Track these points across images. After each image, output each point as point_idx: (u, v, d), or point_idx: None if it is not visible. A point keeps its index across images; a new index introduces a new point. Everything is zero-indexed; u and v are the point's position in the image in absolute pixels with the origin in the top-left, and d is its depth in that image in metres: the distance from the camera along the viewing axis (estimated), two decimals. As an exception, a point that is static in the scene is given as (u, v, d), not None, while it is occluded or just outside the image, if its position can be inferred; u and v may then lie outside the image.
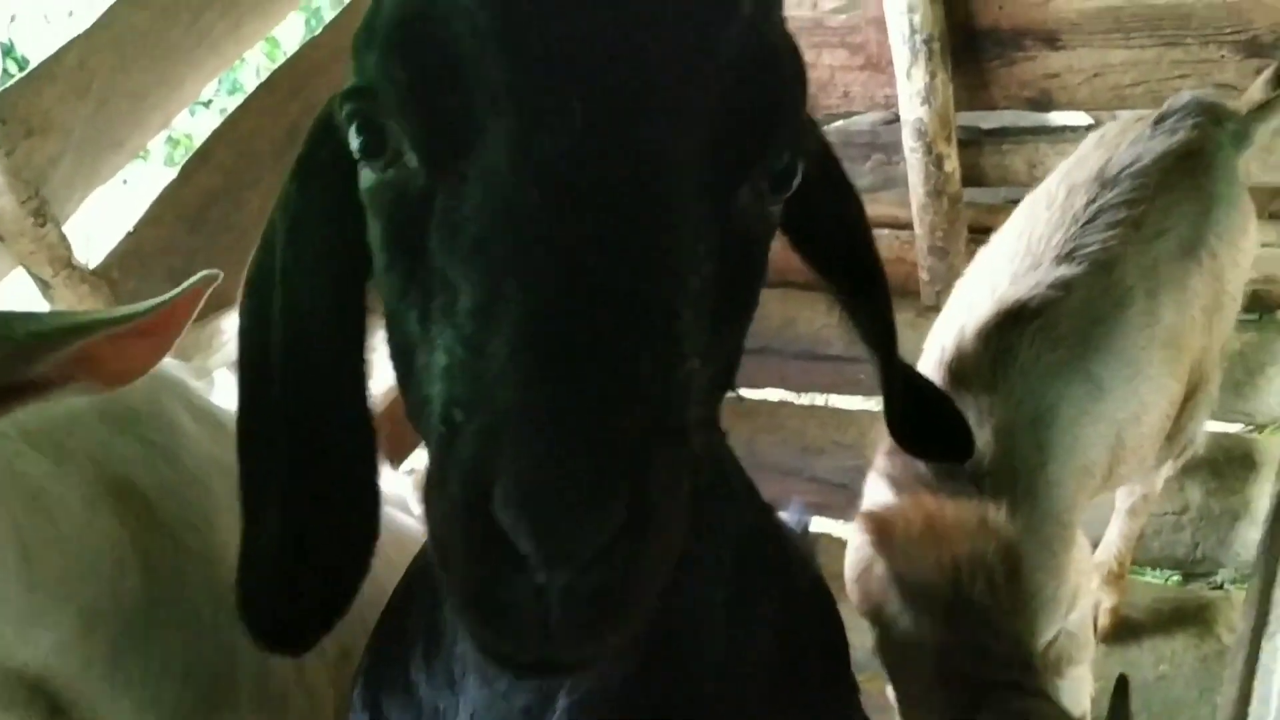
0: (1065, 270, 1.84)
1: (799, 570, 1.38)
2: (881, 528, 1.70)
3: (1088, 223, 1.91)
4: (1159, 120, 2.08)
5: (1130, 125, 2.12)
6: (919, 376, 1.47)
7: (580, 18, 0.71)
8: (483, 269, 0.69)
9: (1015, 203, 2.24)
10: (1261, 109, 2.20)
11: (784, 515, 2.37)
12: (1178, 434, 2.22)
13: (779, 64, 0.81)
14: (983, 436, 1.68)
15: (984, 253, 2.12)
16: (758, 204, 0.83)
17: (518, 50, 0.71)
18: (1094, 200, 1.93)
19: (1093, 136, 2.18)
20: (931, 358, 1.88)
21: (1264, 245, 3.27)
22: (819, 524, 2.76)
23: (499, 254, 0.69)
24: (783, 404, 3.54)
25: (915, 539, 1.63)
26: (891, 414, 1.34)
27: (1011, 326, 1.79)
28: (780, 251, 3.32)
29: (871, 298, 1.20)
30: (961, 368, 1.79)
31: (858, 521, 1.80)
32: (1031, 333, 1.79)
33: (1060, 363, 1.79)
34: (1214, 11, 2.99)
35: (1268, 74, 2.29)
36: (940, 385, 1.69)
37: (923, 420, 1.40)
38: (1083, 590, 1.90)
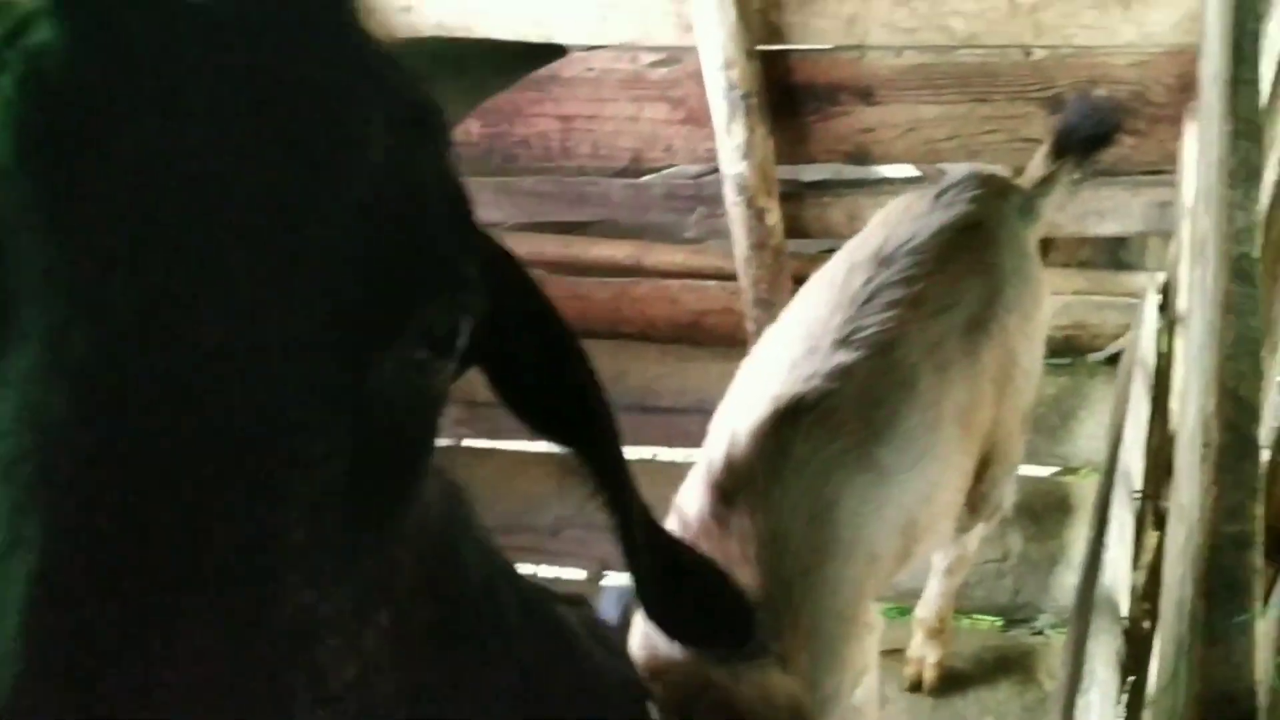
0: (844, 356, 1.81)
1: (603, 693, 1.24)
2: (669, 693, 1.59)
3: (865, 303, 1.89)
4: (938, 194, 2.09)
5: (911, 201, 2.13)
6: (677, 544, 1.22)
7: (143, 181, 0.57)
8: (8, 502, 0.54)
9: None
10: (1043, 183, 2.25)
11: (606, 600, 2.31)
12: (980, 502, 2.24)
13: (426, 213, 0.67)
14: (752, 555, 1.62)
15: (759, 347, 2.07)
16: (413, 375, 0.68)
17: (63, 224, 0.57)
18: (872, 279, 1.92)
19: (879, 213, 2.18)
20: (698, 476, 1.79)
21: (1074, 293, 3.39)
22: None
23: (23, 483, 0.54)
24: (611, 460, 3.48)
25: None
26: (643, 593, 1.07)
27: (787, 424, 1.74)
28: (609, 301, 3.28)
29: (596, 452, 0.95)
30: (732, 481, 1.71)
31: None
32: (808, 426, 1.74)
33: (840, 453, 1.75)
34: (1019, 70, 3.07)
35: (1045, 149, 2.34)
36: (708, 510, 1.64)
37: (684, 597, 1.13)
38: (871, 667, 1.88)
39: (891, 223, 2.08)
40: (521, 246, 4.00)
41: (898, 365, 1.85)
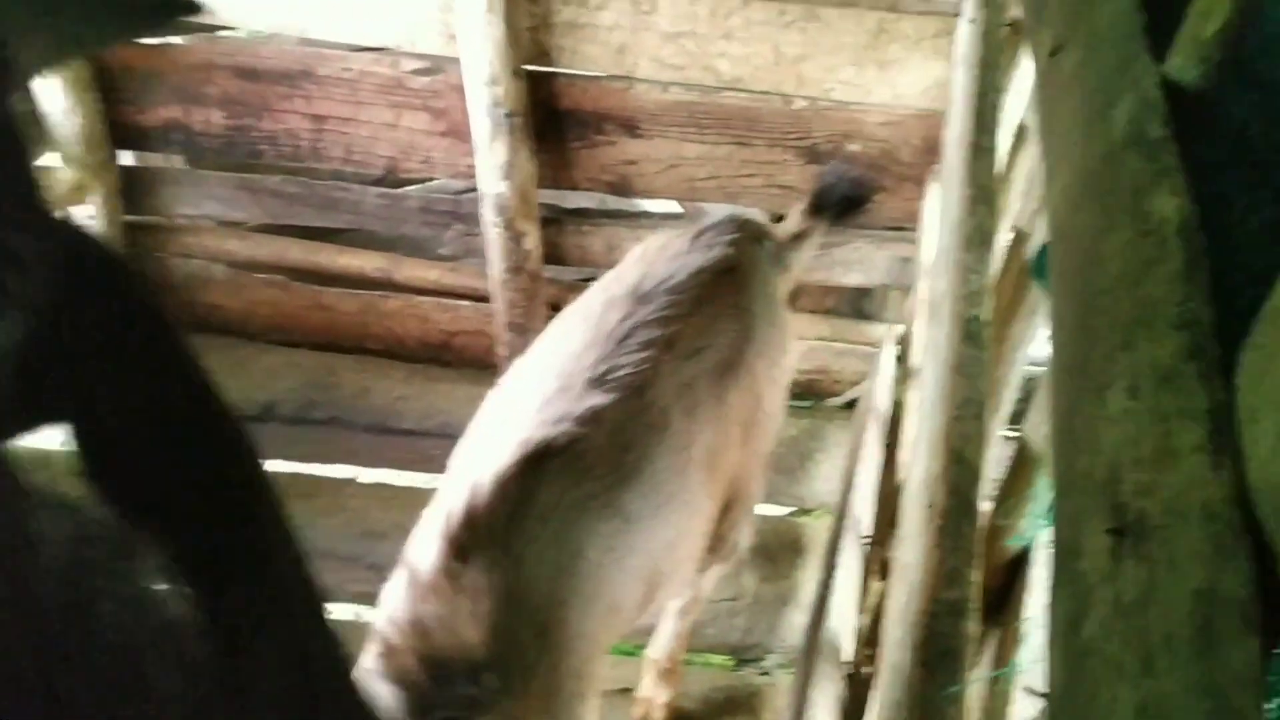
0: (596, 398, 1.75)
1: None
2: None
3: (621, 341, 1.84)
4: (697, 235, 2.08)
5: (670, 239, 2.10)
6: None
7: None
8: None
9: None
10: (796, 239, 2.28)
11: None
12: (719, 543, 2.23)
13: None
14: (484, 614, 1.51)
15: (509, 378, 1.99)
16: None
17: None
18: (628, 317, 1.87)
19: (638, 248, 2.15)
20: (434, 527, 1.63)
21: (819, 339, 3.48)
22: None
23: None
24: (347, 482, 3.30)
25: None
26: None
27: (533, 469, 1.64)
28: (356, 314, 3.07)
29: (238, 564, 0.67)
30: (470, 534, 1.57)
31: None
32: (555, 472, 1.66)
33: (586, 499, 1.68)
34: (779, 117, 3.13)
35: (802, 206, 2.38)
36: (440, 565, 1.51)
37: None
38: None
39: (650, 259, 2.04)
40: (263, 249, 3.77)
41: (649, 408, 1.80)
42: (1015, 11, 2.54)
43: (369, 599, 2.53)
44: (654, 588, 1.88)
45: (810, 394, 3.56)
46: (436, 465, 3.36)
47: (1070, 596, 0.77)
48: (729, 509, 2.19)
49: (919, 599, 1.36)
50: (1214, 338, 0.84)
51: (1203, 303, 0.87)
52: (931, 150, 3.04)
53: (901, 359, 3.27)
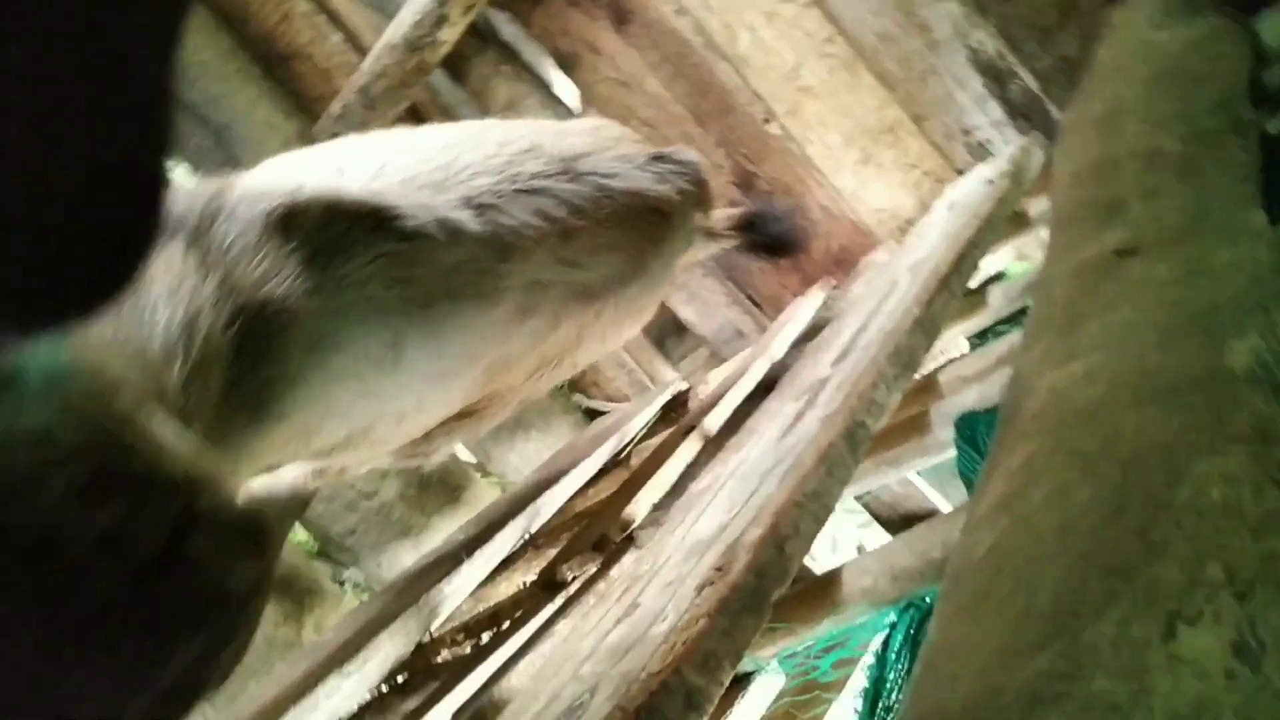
0: (462, 217, 1.43)
1: None
2: None
3: (523, 192, 1.54)
4: (657, 157, 1.82)
5: (628, 138, 1.83)
6: None
7: None
8: None
9: None
10: (710, 233, 2.08)
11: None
12: (426, 443, 1.90)
13: None
14: None
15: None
16: None
17: None
18: (545, 176, 1.59)
19: (590, 121, 1.83)
20: None
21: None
22: None
23: None
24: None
25: None
26: None
27: (372, 229, 1.32)
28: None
29: None
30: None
31: None
32: (381, 252, 1.34)
33: (386, 298, 1.36)
34: (747, 127, 2.88)
35: (734, 211, 2.19)
36: None
37: None
38: None
39: (599, 143, 1.73)
40: None
41: (495, 274, 1.52)
42: (1023, 204, 2.44)
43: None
44: (364, 434, 1.52)
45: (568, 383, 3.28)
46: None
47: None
48: (461, 419, 1.86)
49: (654, 659, 1.10)
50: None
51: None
52: (840, 263, 2.87)
53: (669, 410, 3.08)
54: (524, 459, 3.06)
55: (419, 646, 2.05)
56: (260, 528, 0.86)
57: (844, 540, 3.60)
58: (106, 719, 0.75)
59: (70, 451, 0.73)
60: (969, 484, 1.88)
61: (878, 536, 3.11)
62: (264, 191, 1.28)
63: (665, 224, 1.77)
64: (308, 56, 3.02)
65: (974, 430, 1.84)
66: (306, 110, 2.94)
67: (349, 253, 1.28)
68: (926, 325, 1.69)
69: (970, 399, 2.03)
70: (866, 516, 3.08)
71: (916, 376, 1.79)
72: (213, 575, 0.80)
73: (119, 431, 0.81)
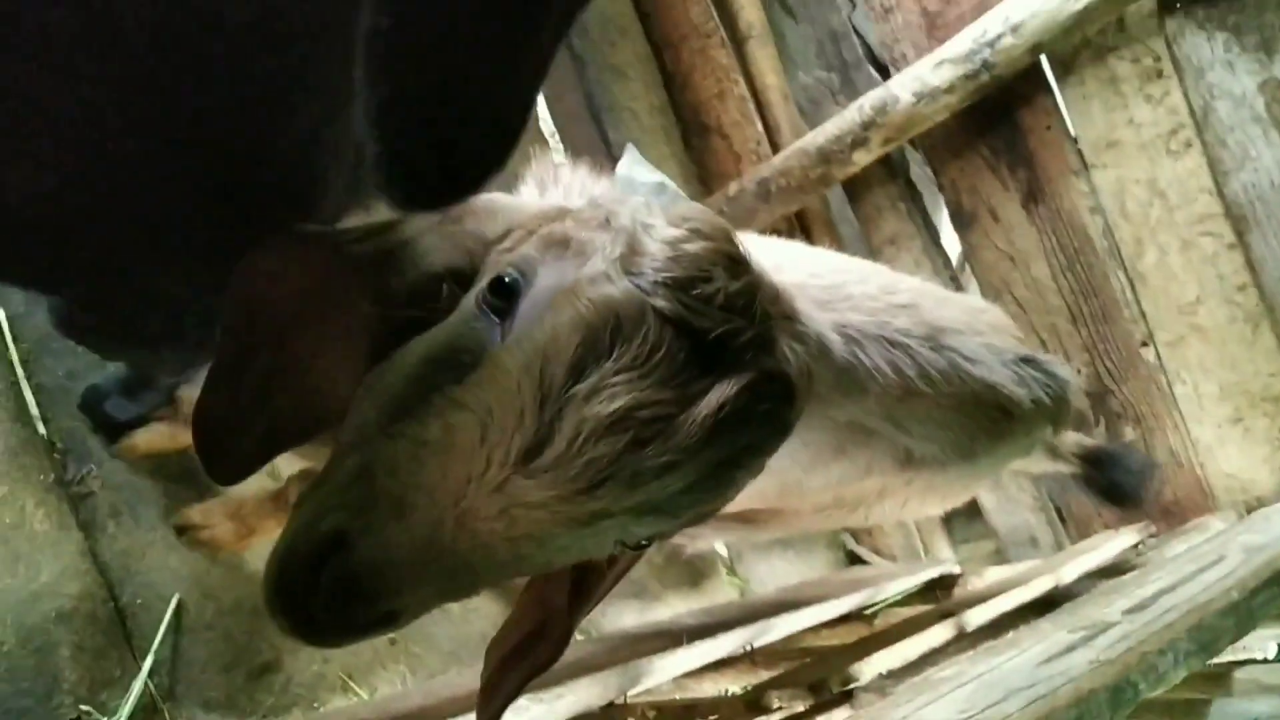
0: None
1: None
2: None
3: None
4: None
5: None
6: None
7: None
8: None
9: None
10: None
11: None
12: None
13: None
14: None
15: None
16: None
17: None
18: None
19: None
20: None
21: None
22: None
23: None
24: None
25: None
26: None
27: None
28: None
29: None
30: None
31: None
32: None
33: None
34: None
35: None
36: None
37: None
38: None
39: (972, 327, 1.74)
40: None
41: None
42: None
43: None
44: None
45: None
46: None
47: None
48: (737, 520, 1.89)
49: None
50: None
51: None
52: (1168, 514, 2.68)
53: (931, 587, 2.97)
54: (772, 573, 3.04)
55: (610, 704, 2.08)
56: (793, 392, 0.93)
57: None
58: None
59: None
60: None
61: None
62: None
63: (1008, 424, 1.73)
64: (726, 136, 3.19)
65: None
66: (705, 182, 3.09)
67: None
68: (1242, 613, 1.55)
69: (1262, 708, 1.83)
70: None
71: (1211, 662, 1.64)
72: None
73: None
